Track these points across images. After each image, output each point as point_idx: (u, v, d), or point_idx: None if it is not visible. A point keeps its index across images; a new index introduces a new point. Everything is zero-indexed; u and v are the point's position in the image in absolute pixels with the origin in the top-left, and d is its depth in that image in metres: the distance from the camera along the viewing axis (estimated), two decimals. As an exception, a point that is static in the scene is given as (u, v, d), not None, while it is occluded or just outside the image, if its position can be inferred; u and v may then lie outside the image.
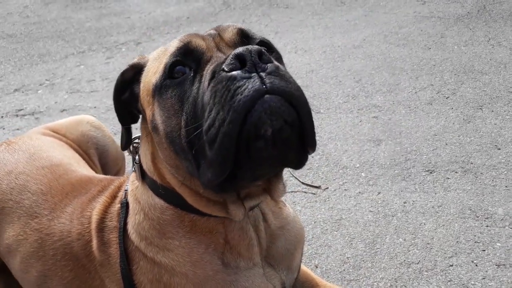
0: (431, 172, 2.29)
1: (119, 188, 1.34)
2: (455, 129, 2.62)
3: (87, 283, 1.28)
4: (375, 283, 1.73)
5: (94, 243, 1.25)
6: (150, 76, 1.11)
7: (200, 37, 1.08)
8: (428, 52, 3.66)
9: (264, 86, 0.91)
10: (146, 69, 1.16)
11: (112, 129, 2.92)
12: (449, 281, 1.70)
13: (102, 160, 1.86)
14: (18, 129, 3.07)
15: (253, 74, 0.92)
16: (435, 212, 2.04)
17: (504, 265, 1.75)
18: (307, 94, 3.11)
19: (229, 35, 1.09)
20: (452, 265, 1.77)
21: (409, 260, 1.81)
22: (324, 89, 3.24)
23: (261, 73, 0.92)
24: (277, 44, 4.19)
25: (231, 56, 0.94)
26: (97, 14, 5.62)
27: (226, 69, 0.93)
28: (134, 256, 1.18)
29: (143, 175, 1.20)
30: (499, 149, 2.41)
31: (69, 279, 1.30)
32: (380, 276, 1.76)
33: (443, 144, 2.49)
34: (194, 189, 1.09)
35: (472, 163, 2.32)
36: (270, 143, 0.91)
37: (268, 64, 0.94)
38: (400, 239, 1.92)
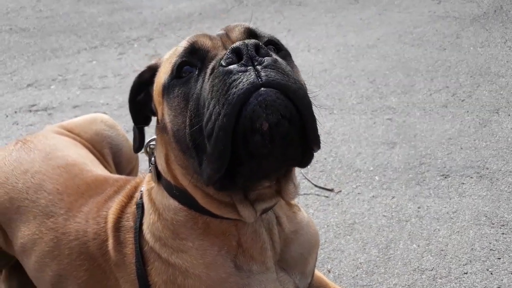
0: (445, 177, 2.26)
1: (135, 188, 1.35)
2: (471, 133, 2.58)
3: (102, 282, 1.28)
4: (388, 289, 1.72)
5: (110, 242, 1.26)
6: (161, 77, 1.13)
7: (207, 37, 1.08)
8: (444, 53, 3.61)
9: (259, 79, 0.90)
10: (159, 70, 1.17)
11: (124, 126, 2.92)
12: (463, 289, 1.69)
13: (116, 159, 1.86)
14: (31, 125, 3.09)
15: (249, 68, 0.91)
16: (449, 218, 2.02)
17: (520, 274, 1.72)
18: (321, 94, 3.11)
19: (236, 34, 1.09)
20: (466, 273, 1.75)
21: (423, 267, 1.79)
22: (338, 89, 3.21)
23: (258, 66, 0.92)
24: (290, 42, 4.16)
25: (228, 50, 0.94)
26: (109, 8, 5.62)
27: (223, 64, 0.93)
28: (149, 256, 1.19)
29: (158, 176, 1.20)
30: (515, 154, 2.38)
31: (84, 279, 1.30)
32: (393, 282, 1.74)
33: (458, 148, 2.46)
34: (205, 190, 1.09)
35: (487, 168, 2.29)
36: (267, 138, 0.90)
37: (266, 58, 0.94)
38: (414, 245, 1.90)
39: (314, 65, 3.62)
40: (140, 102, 1.23)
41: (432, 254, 1.85)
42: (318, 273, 1.54)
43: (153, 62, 1.22)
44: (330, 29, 4.40)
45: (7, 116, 3.24)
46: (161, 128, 1.13)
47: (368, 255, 1.86)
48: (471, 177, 2.24)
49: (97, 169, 1.58)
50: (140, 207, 1.24)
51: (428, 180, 2.25)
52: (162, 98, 1.09)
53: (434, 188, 2.20)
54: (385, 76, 3.34)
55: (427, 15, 4.44)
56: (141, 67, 3.88)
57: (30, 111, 3.30)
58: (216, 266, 1.14)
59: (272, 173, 1.03)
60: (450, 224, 1.99)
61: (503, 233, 1.91)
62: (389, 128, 2.70)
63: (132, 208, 1.29)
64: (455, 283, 1.71)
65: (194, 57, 1.04)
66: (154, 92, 1.15)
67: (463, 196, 2.13)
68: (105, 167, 1.75)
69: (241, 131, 0.89)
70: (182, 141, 1.03)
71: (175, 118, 1.04)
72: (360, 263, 1.84)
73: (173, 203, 1.16)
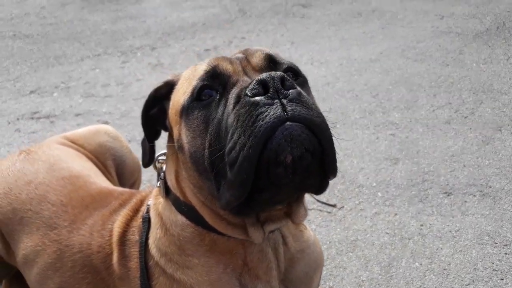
0: (448, 195, 2.26)
1: (141, 202, 1.35)
2: (474, 151, 2.58)
3: None
4: (391, 308, 1.70)
5: (115, 256, 1.25)
6: (179, 96, 1.13)
7: (228, 61, 1.09)
8: (446, 69, 3.62)
9: (285, 113, 0.92)
10: (176, 87, 1.18)
11: (126, 136, 2.92)
12: (466, 310, 1.68)
13: (119, 171, 1.86)
14: (33, 132, 3.08)
15: (275, 101, 0.94)
16: (452, 237, 2.01)
17: (523, 295, 1.71)
18: (323, 107, 3.11)
19: (256, 60, 1.10)
20: (469, 293, 1.74)
21: (425, 286, 1.78)
22: (341, 103, 3.22)
23: (283, 100, 0.94)
24: (293, 55, 4.18)
25: (254, 81, 0.96)
26: (113, 17, 5.64)
27: (249, 94, 0.95)
28: (154, 271, 1.18)
29: (167, 191, 1.20)
30: (518, 173, 2.38)
31: None
32: (396, 301, 1.73)
33: (461, 166, 2.46)
34: (214, 210, 1.09)
35: (490, 187, 2.29)
36: (290, 170, 0.92)
37: (291, 91, 0.96)
38: (417, 263, 1.89)
39: (317, 78, 3.63)
40: (153, 116, 1.23)
41: (435, 273, 1.83)
42: (320, 290, 1.53)
43: (169, 77, 1.22)
44: (333, 42, 4.42)
45: (9, 123, 3.23)
46: (175, 146, 1.13)
47: (370, 273, 1.85)
48: (474, 196, 2.24)
49: (101, 182, 1.58)
50: (147, 221, 1.24)
51: (431, 197, 2.25)
52: (180, 118, 1.09)
53: (437, 205, 2.19)
54: (388, 91, 3.35)
55: (430, 30, 4.47)
56: (144, 76, 3.91)
57: (33, 118, 3.30)
58: (221, 284, 1.13)
59: (289, 200, 1.06)
60: (453, 243, 1.98)
61: (506, 253, 1.90)
62: (392, 144, 2.70)
63: (137, 221, 1.28)
64: (458, 304, 1.70)
65: (215, 81, 1.05)
66: (171, 110, 1.16)
67: (466, 215, 2.13)
68: (108, 179, 1.74)
69: (265, 163, 0.92)
70: (199, 163, 1.03)
71: (193, 139, 1.04)
72: (362, 280, 1.82)
73: (180, 218, 1.16)
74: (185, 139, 1.07)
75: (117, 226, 1.30)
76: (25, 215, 1.44)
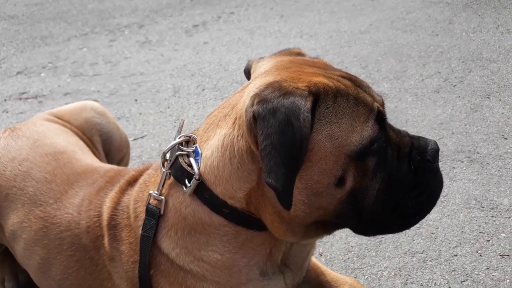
0: (436, 162, 2.27)
1: (128, 183, 1.31)
2: (462, 118, 2.59)
3: (93, 275, 1.28)
4: (379, 272, 1.73)
5: (106, 239, 1.24)
6: (348, 136, 1.03)
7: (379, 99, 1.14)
8: (436, 39, 3.60)
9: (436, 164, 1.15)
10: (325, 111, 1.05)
11: (116, 113, 2.91)
12: (453, 270, 1.70)
13: (106, 147, 1.85)
14: (21, 113, 3.06)
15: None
16: (440, 202, 2.03)
17: (508, 255, 1.74)
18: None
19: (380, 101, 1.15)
20: (456, 255, 1.77)
21: (413, 250, 1.81)
22: (330, 75, 3.20)
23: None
24: (282, 28, 4.14)
25: (432, 150, 1.11)
26: (99, -5, 5.54)
27: (431, 160, 1.11)
28: (155, 260, 1.16)
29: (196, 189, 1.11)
30: (506, 139, 2.39)
31: (74, 269, 1.30)
32: (384, 265, 1.76)
33: (449, 133, 2.47)
34: (286, 220, 1.08)
35: (478, 153, 2.30)
36: None
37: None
38: (405, 229, 1.91)
39: (307, 51, 3.58)
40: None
41: (423, 237, 1.86)
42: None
43: (313, 88, 1.02)
44: (323, 15, 4.37)
45: (-4, 104, 3.21)
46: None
47: (359, 239, 1.87)
48: (462, 162, 2.26)
49: (86, 157, 1.57)
50: (153, 216, 1.15)
51: (419, 164, 2.26)
52: (348, 157, 1.03)
53: (425, 172, 2.21)
54: (377, 62, 3.34)
55: (419, 1, 4.42)
56: (132, 53, 3.87)
57: (20, 99, 3.27)
58: (240, 274, 1.14)
59: None
60: (441, 207, 2.00)
61: (492, 216, 1.93)
62: (381, 114, 2.70)
63: (125, 203, 1.25)
64: (444, 265, 1.73)
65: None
66: (328, 144, 1.02)
67: (454, 180, 2.15)
68: (95, 154, 1.74)
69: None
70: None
71: (362, 179, 1.06)
72: (352, 246, 1.85)
73: (216, 219, 1.11)
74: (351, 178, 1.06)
75: (105, 210, 1.27)
76: (10, 192, 1.44)
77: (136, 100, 3.09)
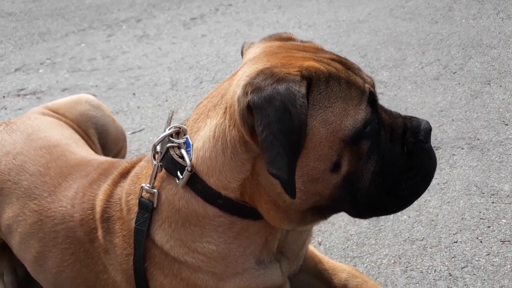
0: (437, 149, 2.25)
1: (121, 175, 1.30)
2: (462, 105, 2.57)
3: (89, 267, 1.28)
4: (379, 260, 1.72)
5: (100, 232, 1.24)
6: (342, 120, 1.02)
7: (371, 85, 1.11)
8: (435, 26, 3.57)
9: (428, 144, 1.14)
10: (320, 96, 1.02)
11: (114, 108, 2.90)
12: (453, 257, 1.69)
13: (102, 140, 1.84)
14: (20, 109, 3.05)
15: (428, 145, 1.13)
16: (440, 189, 2.01)
17: (509, 241, 1.73)
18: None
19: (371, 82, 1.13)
20: (456, 242, 1.76)
21: (413, 237, 1.80)
22: (328, 65, 3.18)
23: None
24: (281, 19, 4.11)
25: (424, 130, 1.11)
26: (97, -9, 5.52)
27: (424, 140, 1.10)
28: (149, 253, 1.16)
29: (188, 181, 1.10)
30: (506, 124, 2.36)
31: (69, 262, 1.29)
32: (384, 253, 1.74)
33: (449, 120, 2.45)
34: (282, 208, 1.07)
35: (479, 139, 2.28)
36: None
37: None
38: (405, 216, 1.90)
39: (305, 42, 3.57)
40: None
41: (423, 225, 1.85)
42: (309, 246, 1.54)
43: (305, 73, 1.00)
44: (321, 5, 4.34)
45: (-5, 101, 3.20)
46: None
47: (358, 227, 1.86)
48: (462, 148, 2.24)
49: (81, 150, 1.56)
50: (146, 209, 1.14)
51: (419, 152, 2.24)
52: (342, 142, 1.01)
53: (425, 160, 2.19)
54: (377, 51, 3.31)
55: (419, -12, 4.37)
56: (130, 48, 3.85)
57: (19, 95, 3.26)
58: (235, 264, 1.13)
59: None
60: (441, 194, 1.99)
61: (493, 202, 1.91)
62: (380, 102, 2.67)
63: (118, 195, 1.24)
64: (445, 252, 1.71)
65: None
66: (323, 127, 1.01)
67: (454, 167, 2.13)
68: (91, 147, 1.73)
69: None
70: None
71: (357, 162, 1.05)
72: (351, 235, 1.84)
73: (210, 210, 1.09)
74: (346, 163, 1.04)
75: (98, 203, 1.26)
76: (5, 186, 1.43)
77: (134, 94, 3.08)
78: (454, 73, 2.91)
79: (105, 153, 1.84)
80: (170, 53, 3.71)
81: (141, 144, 2.57)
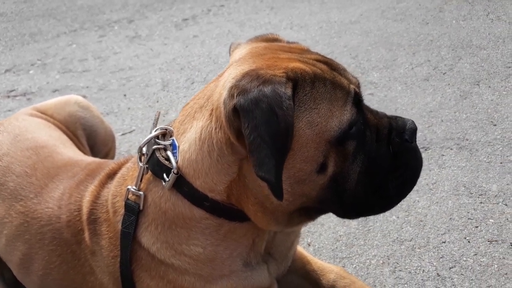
0: (426, 149, 2.26)
1: (108, 176, 1.29)
2: (451, 106, 2.58)
3: (76, 269, 1.27)
4: (368, 260, 1.73)
5: (86, 234, 1.23)
6: (327, 121, 1.02)
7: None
8: (426, 27, 3.59)
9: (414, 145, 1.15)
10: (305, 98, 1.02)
11: (104, 109, 2.89)
12: (441, 257, 1.70)
13: (91, 141, 1.83)
14: (10, 110, 3.03)
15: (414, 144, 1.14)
16: (429, 190, 2.03)
17: (496, 241, 1.74)
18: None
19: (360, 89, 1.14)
20: (444, 242, 1.77)
21: (402, 238, 1.81)
22: (319, 66, 3.19)
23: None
24: (273, 20, 4.12)
25: (410, 130, 1.11)
26: (89, -9, 5.50)
27: (409, 140, 1.11)
28: (136, 255, 1.15)
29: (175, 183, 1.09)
30: (495, 125, 2.38)
31: (56, 264, 1.29)
32: (373, 253, 1.75)
33: (438, 121, 2.46)
34: (270, 210, 1.07)
35: (467, 140, 2.30)
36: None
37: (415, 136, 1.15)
38: (393, 217, 1.91)
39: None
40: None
41: (411, 225, 1.86)
42: (298, 247, 1.54)
43: (290, 74, 1.00)
44: (313, 6, 4.35)
45: (-16, 102, 3.18)
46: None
47: (347, 228, 1.87)
48: (451, 149, 2.25)
49: (68, 151, 1.55)
50: (132, 211, 1.13)
51: (408, 153, 2.25)
52: (328, 143, 1.01)
53: (414, 160, 2.20)
54: (367, 52, 3.32)
55: (410, -11, 4.40)
56: (121, 49, 3.84)
57: (9, 96, 3.24)
58: (222, 266, 1.13)
59: None
60: (430, 195, 2.00)
61: (481, 202, 1.92)
62: (370, 103, 2.66)
63: (104, 197, 1.24)
64: (433, 252, 1.72)
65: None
66: (306, 129, 1.01)
67: (443, 168, 2.14)
68: (80, 149, 1.72)
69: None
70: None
71: (343, 163, 1.05)
72: (340, 235, 1.84)
73: (197, 212, 1.09)
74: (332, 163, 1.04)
75: (85, 204, 1.26)
76: (-9, 187, 1.42)
77: (125, 95, 3.07)
78: (444, 74, 2.93)
79: (94, 154, 1.84)
80: (162, 54, 3.70)
81: (131, 146, 2.56)
